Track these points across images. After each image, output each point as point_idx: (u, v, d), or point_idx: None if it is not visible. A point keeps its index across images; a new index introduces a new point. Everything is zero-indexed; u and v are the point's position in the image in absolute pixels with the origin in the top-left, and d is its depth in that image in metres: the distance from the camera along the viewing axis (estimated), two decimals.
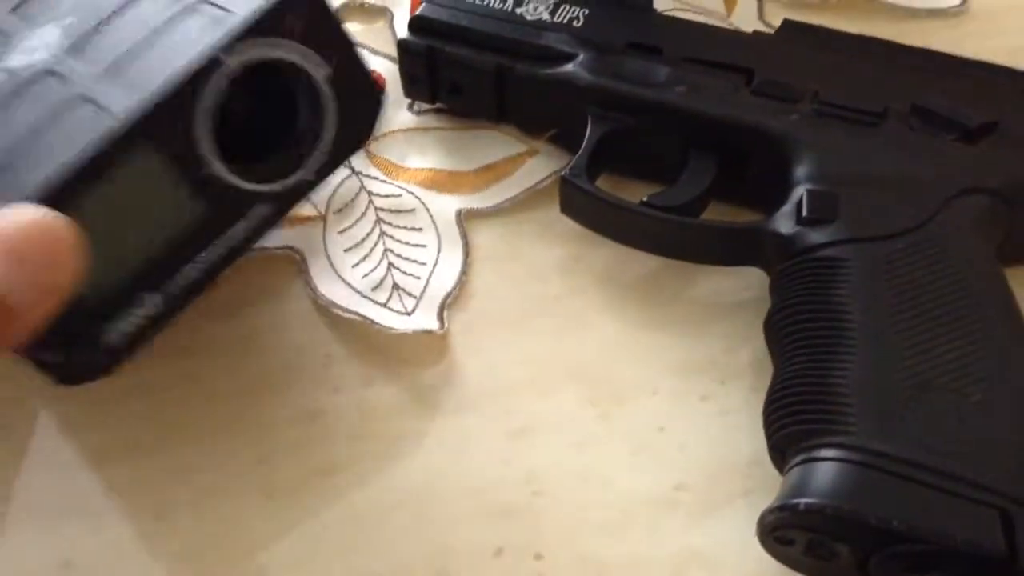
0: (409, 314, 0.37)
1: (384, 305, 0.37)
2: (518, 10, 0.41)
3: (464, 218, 0.40)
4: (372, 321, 0.36)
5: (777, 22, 0.45)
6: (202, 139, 0.29)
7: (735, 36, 0.40)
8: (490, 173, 0.41)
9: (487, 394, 0.35)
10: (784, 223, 0.34)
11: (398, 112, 0.43)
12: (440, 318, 0.37)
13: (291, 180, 0.32)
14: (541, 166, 0.41)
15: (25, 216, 0.22)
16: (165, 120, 0.28)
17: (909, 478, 0.27)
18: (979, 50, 0.45)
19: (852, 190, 0.33)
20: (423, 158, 0.42)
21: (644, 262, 0.38)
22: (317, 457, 0.33)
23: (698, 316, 0.36)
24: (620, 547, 0.31)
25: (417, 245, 0.39)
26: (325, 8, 0.30)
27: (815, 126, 0.35)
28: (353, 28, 0.47)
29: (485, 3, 0.41)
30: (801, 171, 0.35)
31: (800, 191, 0.34)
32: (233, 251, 0.32)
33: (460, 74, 0.40)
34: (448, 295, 0.37)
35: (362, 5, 0.48)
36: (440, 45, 0.40)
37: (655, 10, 0.41)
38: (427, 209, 0.40)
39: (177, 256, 0.30)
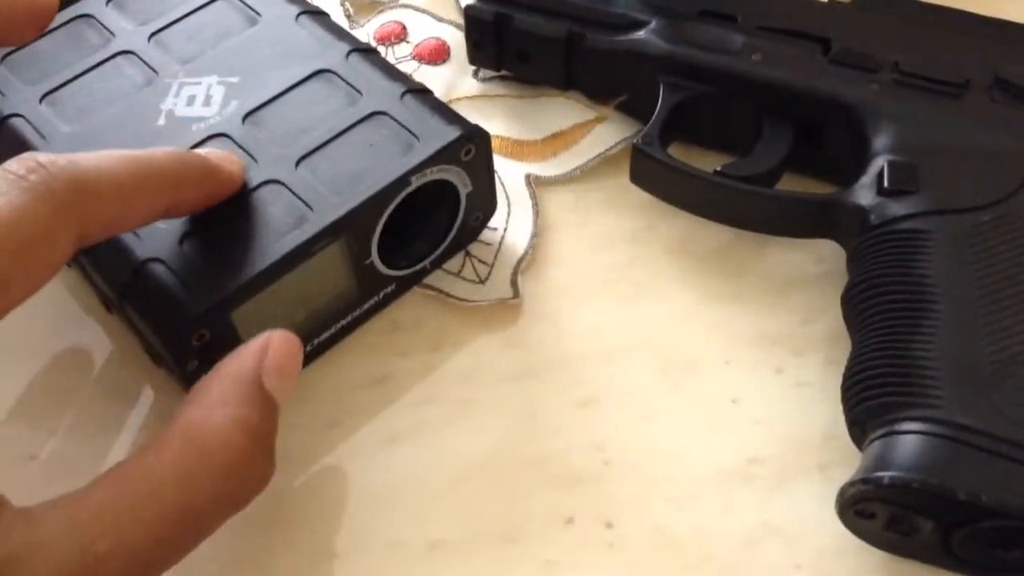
0: (483, 282, 0.37)
1: (458, 275, 0.37)
2: None
3: (533, 184, 0.39)
4: (447, 294, 0.36)
5: None
6: (375, 237, 0.32)
7: (811, 4, 0.39)
8: (558, 141, 0.41)
9: (557, 362, 0.35)
10: (864, 194, 0.33)
11: (464, 79, 0.43)
12: (513, 285, 0.37)
13: (417, 267, 0.36)
14: (610, 133, 0.41)
15: (290, 345, 0.28)
16: (356, 223, 0.31)
17: (997, 453, 0.26)
18: None
19: (934, 162, 0.33)
20: (489, 125, 0.41)
21: (716, 234, 0.37)
22: (385, 422, 0.33)
23: (771, 288, 0.36)
24: (692, 519, 0.31)
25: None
26: (488, 142, 0.34)
27: (895, 96, 0.35)
28: None
29: None
30: (881, 142, 0.34)
31: (880, 162, 0.33)
32: (358, 321, 0.35)
33: (528, 41, 0.40)
34: (520, 261, 0.37)
35: None
36: (508, 11, 0.40)
37: None
38: (497, 174, 0.40)
39: (320, 323, 0.34)
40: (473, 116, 0.41)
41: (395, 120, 0.33)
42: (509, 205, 0.39)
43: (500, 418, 0.33)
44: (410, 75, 0.37)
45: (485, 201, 0.37)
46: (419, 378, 0.34)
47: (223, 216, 0.31)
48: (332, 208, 0.31)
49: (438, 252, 0.36)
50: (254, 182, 0.32)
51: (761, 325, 0.35)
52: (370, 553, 0.31)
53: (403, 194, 0.32)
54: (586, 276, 0.37)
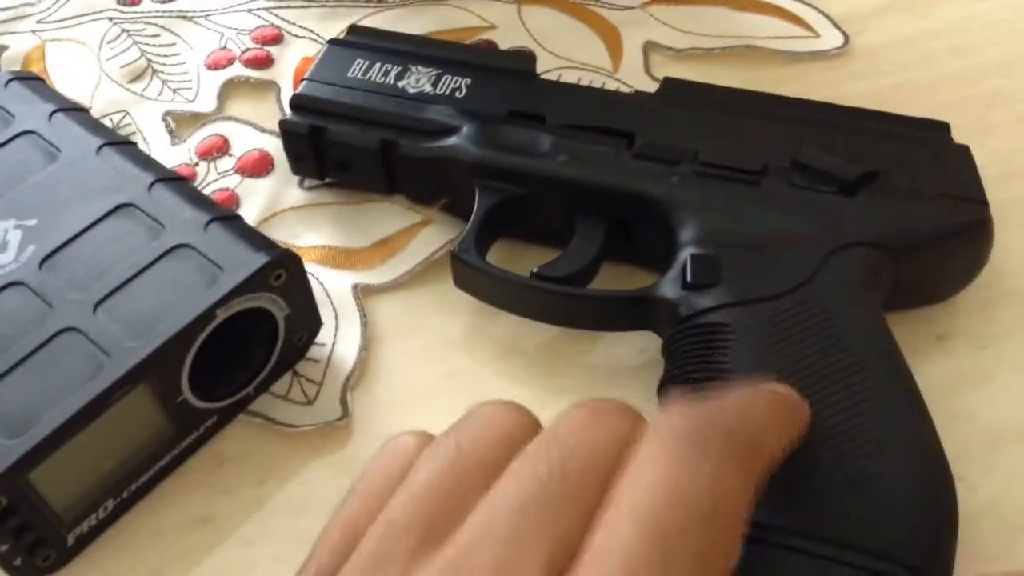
0: (311, 403, 0.36)
1: (285, 397, 0.36)
2: (400, 83, 0.40)
3: (361, 294, 0.39)
4: (274, 421, 0.36)
5: (663, 74, 0.46)
6: (184, 375, 0.32)
7: (616, 98, 0.40)
8: (385, 247, 0.41)
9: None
10: (671, 288, 0.34)
11: (289, 189, 0.43)
12: (343, 404, 0.36)
13: (239, 396, 0.35)
14: (435, 236, 0.41)
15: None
16: (161, 364, 0.31)
17: (792, 548, 0.27)
18: (863, 90, 0.46)
19: (734, 252, 0.34)
20: (316, 235, 0.41)
21: (546, 329, 0.38)
22: (211, 567, 0.32)
23: (597, 383, 0.36)
24: None
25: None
26: (299, 264, 0.34)
27: (696, 188, 0.36)
28: (240, 105, 0.47)
29: (367, 78, 0.41)
30: (685, 234, 0.35)
31: (684, 255, 0.34)
32: (180, 457, 0.34)
33: (345, 151, 0.40)
34: (349, 377, 0.37)
35: (248, 80, 0.47)
36: (322, 123, 0.40)
37: (538, 76, 0.41)
38: (323, 286, 0.39)
39: (136, 467, 0.32)
40: (300, 226, 0.41)
41: (199, 252, 0.33)
42: (336, 318, 0.38)
43: None
44: (218, 202, 0.37)
45: (307, 321, 0.36)
46: (246, 515, 0.33)
47: (17, 372, 0.30)
48: (130, 353, 0.30)
49: (260, 377, 0.35)
50: (50, 331, 0.31)
51: None
52: None
53: (209, 328, 0.31)
54: (417, 387, 0.37)
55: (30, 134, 0.37)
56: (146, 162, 0.37)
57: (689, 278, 0.33)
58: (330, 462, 0.35)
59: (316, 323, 0.37)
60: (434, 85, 0.40)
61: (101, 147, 0.36)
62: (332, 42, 0.43)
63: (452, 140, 0.38)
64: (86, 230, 0.34)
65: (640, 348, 0.37)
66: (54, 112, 0.38)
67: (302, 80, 0.41)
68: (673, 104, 0.39)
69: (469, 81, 0.40)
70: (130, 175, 0.35)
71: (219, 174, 0.43)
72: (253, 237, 0.34)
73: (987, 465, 0.33)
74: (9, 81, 0.40)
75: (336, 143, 0.40)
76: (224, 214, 0.34)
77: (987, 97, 0.46)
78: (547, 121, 0.39)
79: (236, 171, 0.43)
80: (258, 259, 0.32)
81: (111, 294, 0.32)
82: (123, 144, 0.37)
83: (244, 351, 0.35)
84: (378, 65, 0.41)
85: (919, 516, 0.27)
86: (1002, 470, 0.33)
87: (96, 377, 0.30)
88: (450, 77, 0.41)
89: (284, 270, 0.33)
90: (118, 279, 0.32)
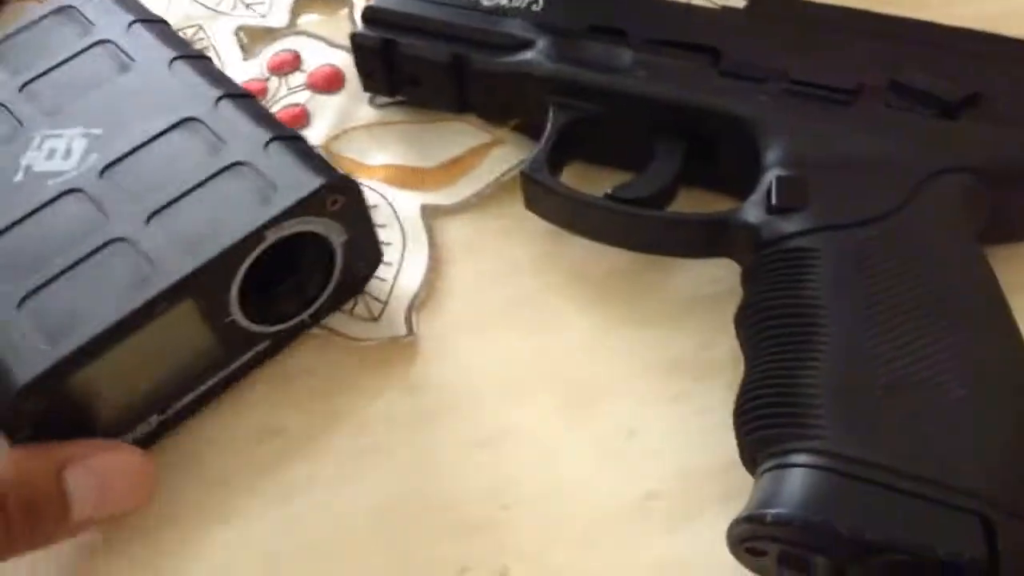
0: (376, 319, 0.36)
1: (350, 312, 0.36)
2: None
3: (429, 215, 0.38)
4: (337, 332, 0.35)
5: None
6: (232, 294, 0.31)
7: (702, 13, 0.38)
8: (454, 167, 0.40)
9: (454, 402, 0.34)
10: (754, 212, 0.32)
11: (359, 106, 0.42)
12: (408, 322, 0.35)
13: (292, 323, 0.34)
14: (506, 157, 0.39)
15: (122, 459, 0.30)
16: (208, 281, 0.30)
17: (884, 484, 0.25)
18: (962, 14, 0.43)
19: (823, 175, 0.32)
20: (385, 153, 0.40)
21: (617, 255, 0.36)
22: (275, 478, 0.32)
23: (674, 311, 0.35)
24: (591, 560, 0.30)
25: (382, 244, 0.37)
26: (358, 190, 0.32)
27: (784, 107, 0.34)
28: (313, 19, 0.46)
29: None
30: (771, 155, 0.33)
31: (770, 177, 0.32)
32: (229, 381, 0.34)
33: (416, 67, 0.39)
34: (415, 297, 0.36)
35: None
36: (394, 37, 0.38)
37: None
38: (391, 206, 0.38)
39: (183, 385, 0.32)
40: (369, 144, 0.41)
41: (256, 170, 0.31)
42: (404, 238, 0.38)
43: (396, 466, 0.32)
44: (288, 118, 0.36)
45: (367, 251, 0.35)
46: (312, 429, 0.33)
47: (65, 278, 0.29)
48: (175, 267, 0.29)
49: (317, 305, 0.34)
50: (101, 240, 0.30)
51: (661, 351, 0.34)
52: None
53: (259, 249, 0.30)
54: (484, 310, 0.36)
55: (107, 43, 0.37)
56: (216, 77, 0.36)
57: (774, 201, 0.31)
58: (397, 381, 0.34)
59: (377, 254, 0.36)
60: None
61: (174, 60, 0.36)
62: None
63: (527, 55, 0.37)
64: (149, 142, 0.33)
65: (715, 277, 0.35)
66: (133, 23, 0.37)
67: None
68: (762, 21, 0.37)
69: None
70: (199, 89, 0.35)
71: (290, 90, 0.43)
72: (312, 159, 0.32)
73: None
74: None
75: (408, 57, 0.38)
76: (286, 134, 0.33)
77: None
78: (628, 36, 0.37)
79: (307, 87, 0.43)
80: (314, 181, 0.31)
81: (165, 207, 0.31)
82: (196, 58, 0.36)
83: (301, 277, 0.34)
84: None
85: (1015, 455, 0.26)
86: None
87: (141, 287, 0.29)
88: None
89: (341, 195, 0.32)
90: (173, 193, 0.31)
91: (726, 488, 0.30)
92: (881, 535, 0.24)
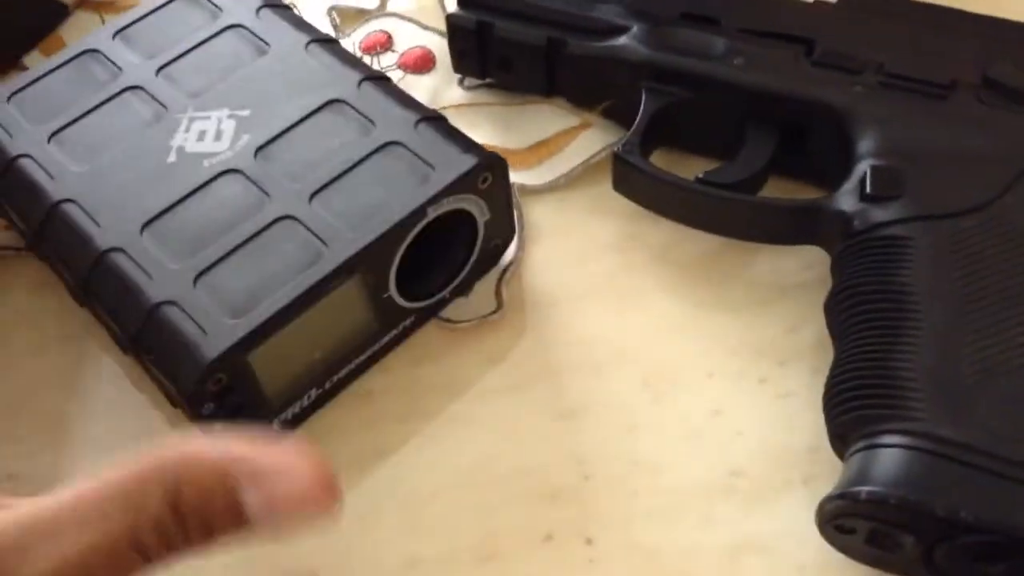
0: (466, 295, 0.36)
1: None
2: None
3: (518, 193, 0.39)
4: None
5: None
6: (392, 270, 0.32)
7: (795, 5, 0.38)
8: (543, 149, 0.40)
9: (539, 374, 0.34)
10: (847, 200, 0.32)
11: (449, 88, 0.43)
12: (498, 296, 0.36)
13: (435, 299, 0.35)
14: (594, 139, 0.40)
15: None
16: (373, 258, 0.31)
17: (978, 467, 0.26)
18: None
19: (918, 166, 0.32)
20: (475, 134, 0.40)
21: (702, 240, 0.37)
22: (367, 438, 0.33)
23: (757, 296, 0.35)
24: (672, 534, 0.31)
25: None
26: (505, 168, 0.33)
27: (879, 99, 0.34)
28: (404, 1, 0.47)
29: None
30: (865, 146, 0.33)
31: (864, 167, 0.33)
32: (379, 354, 0.34)
33: (510, 49, 0.39)
34: (505, 271, 0.37)
35: None
36: (489, 19, 0.39)
37: None
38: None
39: (340, 359, 0.33)
40: (459, 125, 0.41)
41: (410, 150, 0.33)
42: None
43: (481, 432, 0.33)
44: (422, 103, 0.36)
45: (503, 227, 0.36)
46: (402, 392, 0.34)
47: (238, 255, 0.30)
48: (347, 243, 0.30)
49: (457, 281, 0.35)
50: (268, 218, 0.31)
51: (746, 334, 0.34)
52: (349, 571, 0.31)
53: (420, 225, 0.32)
54: (570, 286, 0.37)
55: (239, 28, 0.38)
56: (352, 61, 0.37)
57: (869, 189, 0.32)
58: (485, 353, 0.35)
59: (511, 230, 0.36)
60: None
61: (309, 43, 0.37)
62: None
63: (621, 40, 0.38)
64: (299, 123, 0.34)
65: (804, 264, 0.36)
66: (261, 7, 0.38)
67: None
68: (856, 13, 0.37)
69: None
70: (338, 72, 0.35)
71: (382, 69, 0.44)
72: (461, 139, 0.33)
73: None
74: None
75: (502, 39, 0.39)
76: (431, 114, 0.34)
77: None
78: (722, 24, 0.37)
79: (399, 67, 0.44)
80: (468, 160, 0.32)
81: (326, 186, 0.32)
82: (329, 41, 0.37)
83: (445, 254, 0.35)
84: None
85: None
86: None
87: (315, 264, 0.30)
88: None
89: (491, 173, 0.33)
90: (332, 172, 0.32)
91: (810, 469, 0.31)
92: (975, 515, 0.25)
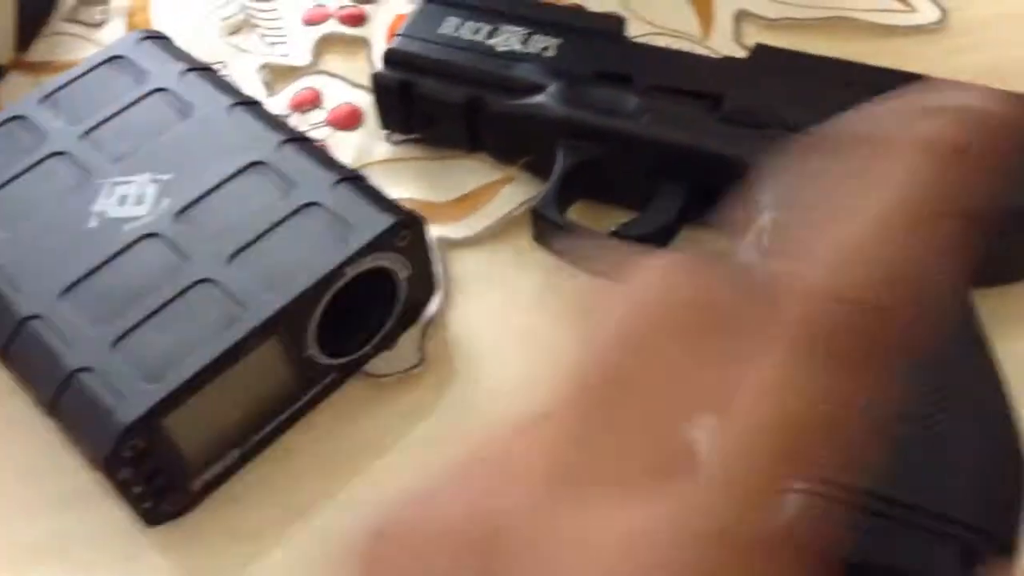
0: (390, 349, 0.37)
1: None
2: (490, 41, 0.41)
3: (442, 247, 0.40)
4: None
5: (754, 43, 0.45)
6: (311, 330, 0.32)
7: (705, 62, 0.40)
8: (466, 202, 0.41)
9: (464, 428, 0.35)
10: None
11: (376, 143, 0.44)
12: (421, 350, 0.37)
13: (358, 354, 0.35)
14: (516, 193, 0.41)
15: None
16: (291, 319, 0.31)
17: (869, 510, 0.27)
18: (959, 65, 0.45)
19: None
20: (401, 189, 0.42)
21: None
22: (290, 497, 0.34)
23: None
24: None
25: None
26: (423, 226, 0.34)
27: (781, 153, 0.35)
28: (333, 60, 0.48)
29: (458, 35, 0.41)
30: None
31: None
32: (301, 412, 0.35)
33: (432, 107, 0.41)
34: (428, 326, 0.38)
35: (342, 36, 0.49)
36: (412, 78, 0.40)
37: (627, 37, 0.41)
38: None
39: (261, 419, 0.33)
40: (385, 180, 0.42)
41: (328, 210, 0.33)
42: None
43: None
44: (343, 162, 0.37)
45: (425, 282, 0.37)
46: (325, 449, 0.35)
47: (156, 319, 0.31)
48: (264, 305, 0.31)
49: (380, 336, 0.36)
50: (186, 282, 0.32)
51: None
52: None
53: (338, 285, 0.32)
54: (494, 339, 0.37)
55: (163, 91, 0.38)
56: (274, 122, 0.38)
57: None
58: (406, 404, 0.36)
59: (432, 285, 0.37)
60: (523, 44, 0.41)
61: (232, 106, 0.38)
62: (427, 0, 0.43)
63: (538, 98, 0.39)
64: (219, 186, 0.35)
65: None
66: (186, 71, 0.39)
67: (395, 35, 0.42)
68: (763, 70, 0.39)
69: (558, 41, 0.41)
70: (260, 134, 0.36)
71: (310, 126, 0.45)
72: (379, 198, 0.34)
73: None
74: (142, 39, 0.41)
75: (425, 97, 0.40)
76: (351, 174, 0.35)
77: None
78: (634, 82, 0.39)
79: (327, 124, 0.45)
80: (386, 219, 0.33)
81: (245, 248, 0.33)
82: (252, 104, 0.38)
83: (366, 310, 0.35)
84: (470, 23, 0.42)
85: (993, 487, 0.27)
86: None
87: (232, 326, 0.30)
88: (539, 36, 0.41)
89: (409, 231, 0.34)
90: (251, 234, 0.33)
91: None
92: (863, 558, 0.26)
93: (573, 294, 0.38)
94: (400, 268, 0.34)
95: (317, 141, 0.43)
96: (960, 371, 0.29)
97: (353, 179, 0.35)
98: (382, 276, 0.34)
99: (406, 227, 0.33)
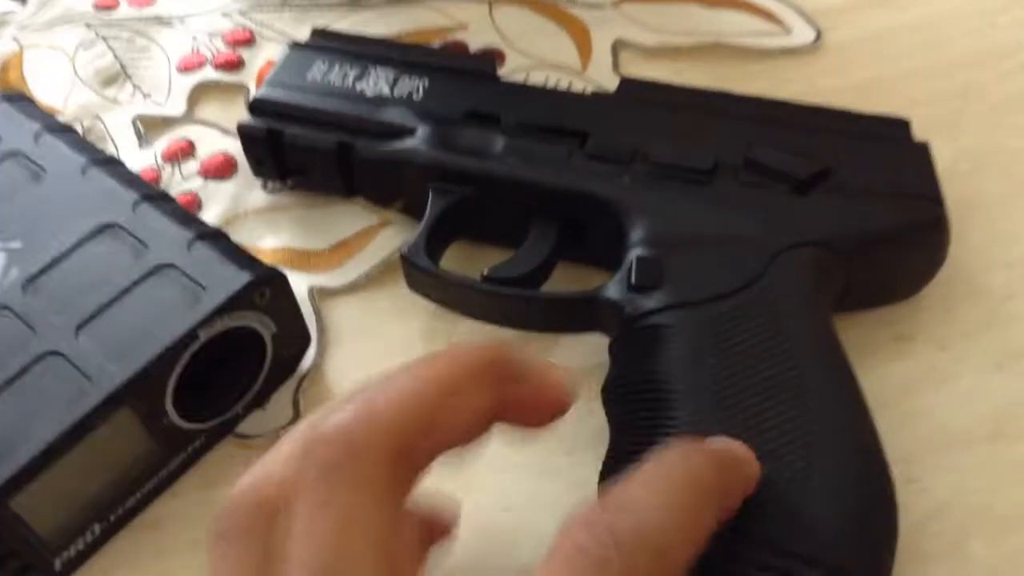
0: (263, 407, 0.36)
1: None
2: (358, 86, 0.40)
3: (318, 297, 0.39)
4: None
5: (633, 74, 0.46)
6: (168, 397, 0.31)
7: (573, 98, 0.40)
8: (343, 249, 0.41)
9: None
10: (616, 290, 0.33)
11: (251, 192, 0.43)
12: (295, 406, 0.36)
13: (225, 417, 0.34)
14: (394, 237, 0.41)
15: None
16: (144, 387, 0.30)
17: (728, 551, 0.26)
18: (834, 85, 0.46)
19: (679, 253, 0.33)
20: (277, 237, 0.41)
21: (503, 332, 0.37)
22: (158, 570, 0.32)
23: None
24: None
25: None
26: (285, 281, 0.33)
27: (646, 188, 0.35)
28: (209, 108, 0.47)
29: (326, 81, 0.41)
30: (634, 235, 0.34)
31: (631, 256, 0.34)
32: (168, 480, 0.34)
33: (302, 154, 0.40)
34: (302, 381, 0.37)
35: (218, 83, 0.48)
36: (279, 126, 0.40)
37: (498, 76, 0.41)
38: None
39: (123, 491, 0.32)
40: (261, 229, 0.42)
41: (182, 272, 0.32)
42: None
43: None
44: (201, 219, 0.36)
45: (295, 336, 0.36)
46: (194, 519, 0.33)
47: (1, 396, 0.30)
48: (111, 377, 0.30)
49: (250, 396, 0.35)
50: (33, 355, 0.31)
51: None
52: None
53: (192, 349, 0.31)
54: None
55: (16, 155, 0.37)
56: (131, 180, 0.37)
57: (633, 280, 0.33)
58: None
59: (305, 339, 0.37)
60: (392, 87, 0.40)
61: (87, 166, 0.36)
62: (293, 45, 0.43)
63: (407, 142, 0.38)
64: (70, 252, 0.33)
65: (599, 348, 0.36)
66: (40, 132, 0.38)
67: (262, 83, 0.41)
68: (629, 104, 0.39)
69: (426, 83, 0.40)
70: (115, 194, 0.35)
71: (183, 177, 0.44)
72: (237, 255, 0.33)
73: (941, 466, 0.33)
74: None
75: (294, 146, 0.40)
76: (208, 231, 0.34)
77: (961, 91, 0.45)
78: (502, 122, 0.38)
79: (200, 174, 0.44)
80: (241, 278, 0.32)
81: (93, 317, 0.31)
82: (108, 163, 0.37)
83: (233, 371, 0.34)
84: (337, 68, 0.41)
85: (850, 521, 0.27)
86: (956, 471, 0.33)
87: (78, 401, 0.29)
88: (408, 79, 0.40)
89: (268, 288, 0.33)
90: (100, 301, 0.32)
91: None
92: None
93: (455, 339, 0.38)
94: (263, 326, 0.33)
95: (188, 193, 0.43)
96: (819, 408, 0.29)
97: (211, 236, 0.34)
98: (247, 334, 0.33)
99: (265, 284, 0.33)
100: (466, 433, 0.25)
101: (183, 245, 0.33)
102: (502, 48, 0.48)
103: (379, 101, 0.40)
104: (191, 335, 0.31)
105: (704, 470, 0.25)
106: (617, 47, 0.48)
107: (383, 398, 0.23)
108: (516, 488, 0.33)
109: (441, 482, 0.33)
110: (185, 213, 0.35)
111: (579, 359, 0.37)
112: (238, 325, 0.32)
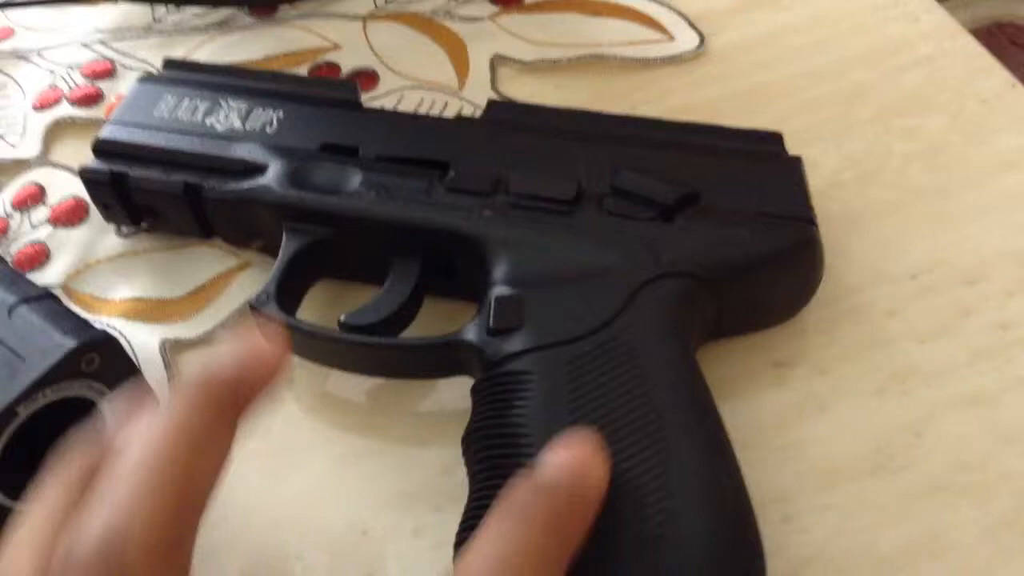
0: None
1: None
2: (208, 120, 0.38)
3: (170, 350, 0.37)
4: None
5: (511, 90, 0.44)
6: None
7: (437, 125, 0.38)
8: (200, 296, 0.38)
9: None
10: (475, 333, 0.31)
11: (104, 237, 0.40)
12: None
13: None
14: (252, 281, 0.38)
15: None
16: None
17: None
18: (718, 94, 0.44)
19: (539, 291, 0.31)
20: (130, 287, 0.39)
21: (361, 382, 0.35)
22: None
23: (415, 436, 0.34)
24: None
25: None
26: (117, 345, 0.31)
27: (507, 222, 0.33)
28: (65, 148, 0.44)
29: (174, 116, 0.38)
30: (496, 272, 0.32)
31: (491, 296, 0.32)
32: None
33: (150, 197, 0.37)
34: None
35: (74, 120, 0.45)
36: (123, 169, 0.37)
37: (360, 104, 0.39)
38: (128, 344, 0.37)
39: None
40: (113, 277, 0.39)
41: (3, 344, 0.30)
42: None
43: None
44: (29, 257, 0.33)
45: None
46: None
47: None
48: None
49: None
50: None
51: (401, 481, 0.33)
52: None
53: (13, 426, 0.29)
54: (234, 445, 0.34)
55: None
56: None
57: (491, 323, 0.31)
58: None
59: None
60: (244, 120, 0.38)
61: None
62: (142, 79, 0.40)
63: (258, 180, 0.36)
64: None
65: (463, 393, 0.34)
66: None
67: (106, 122, 0.38)
68: (495, 129, 0.37)
69: (281, 114, 0.38)
70: None
71: (32, 226, 0.41)
72: (62, 319, 0.31)
73: (819, 504, 0.31)
74: None
75: (140, 189, 0.37)
76: (32, 294, 0.32)
77: (847, 94, 0.44)
78: (360, 154, 0.36)
79: (50, 221, 0.41)
80: (64, 345, 0.30)
81: None
82: None
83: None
84: (187, 101, 0.39)
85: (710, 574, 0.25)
86: (835, 509, 0.31)
87: None
88: (262, 110, 0.38)
89: (96, 354, 0.30)
90: None
91: None
92: None
93: (324, 386, 0.35)
94: (96, 393, 0.31)
95: (36, 243, 0.40)
96: (678, 448, 0.27)
97: (36, 300, 0.31)
98: (81, 402, 0.31)
99: (91, 350, 0.30)
100: (218, 478, 0.23)
101: (3, 312, 0.31)
102: (376, 68, 0.46)
103: (230, 136, 0.37)
104: (9, 412, 0.29)
105: (540, 504, 0.24)
106: (495, 63, 0.46)
107: (126, 514, 0.21)
108: (379, 553, 0.31)
109: (297, 559, 0.31)
110: (12, 274, 0.33)
111: (453, 403, 0.35)
112: (65, 396, 0.30)
